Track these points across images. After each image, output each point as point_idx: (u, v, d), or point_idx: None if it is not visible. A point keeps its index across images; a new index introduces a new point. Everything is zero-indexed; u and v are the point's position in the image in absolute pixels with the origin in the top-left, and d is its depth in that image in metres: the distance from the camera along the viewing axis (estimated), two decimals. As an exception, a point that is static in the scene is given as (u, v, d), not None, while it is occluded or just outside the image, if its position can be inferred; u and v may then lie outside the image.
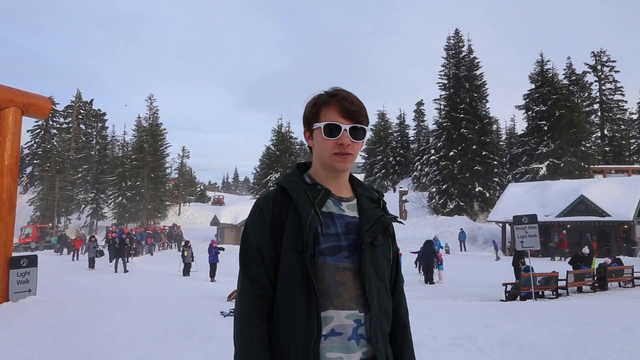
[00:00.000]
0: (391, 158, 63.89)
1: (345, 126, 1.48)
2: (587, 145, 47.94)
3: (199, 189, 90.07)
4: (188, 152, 72.32)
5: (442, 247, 26.02)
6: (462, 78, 51.34)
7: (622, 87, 55.48)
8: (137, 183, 59.31)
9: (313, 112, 1.53)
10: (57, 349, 6.52)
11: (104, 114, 74.15)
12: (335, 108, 1.50)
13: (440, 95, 52.87)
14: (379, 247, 1.53)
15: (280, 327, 1.45)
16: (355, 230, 1.50)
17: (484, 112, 51.66)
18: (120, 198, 59.49)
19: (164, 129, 64.48)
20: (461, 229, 36.05)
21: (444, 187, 47.77)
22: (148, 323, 8.20)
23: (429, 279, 19.03)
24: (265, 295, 1.48)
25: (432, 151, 51.23)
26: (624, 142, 54.27)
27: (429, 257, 19.26)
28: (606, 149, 53.23)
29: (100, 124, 73.85)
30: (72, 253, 31.82)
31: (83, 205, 64.10)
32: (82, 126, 73.94)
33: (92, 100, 74.96)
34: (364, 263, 1.46)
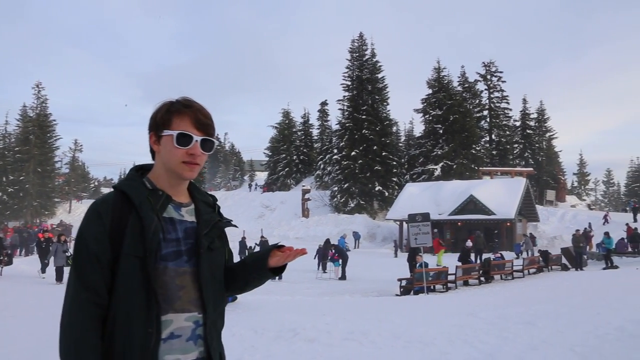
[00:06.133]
0: (295, 157, 64.31)
1: (198, 137, 1.53)
2: (477, 148, 51.27)
3: (92, 185, 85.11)
4: (81, 145, 67.92)
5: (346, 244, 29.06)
6: (365, 80, 52.82)
7: (507, 96, 59.98)
8: (21, 178, 54.75)
9: (165, 118, 1.54)
10: None
11: (-17, 102, 67.53)
12: (189, 118, 1.53)
13: (344, 96, 53.92)
14: (216, 250, 1.61)
15: (115, 334, 1.42)
16: (193, 234, 1.56)
17: (385, 114, 53.58)
18: (0, 194, 54.46)
19: (54, 120, 59.91)
20: (354, 232, 38.28)
21: (345, 186, 48.93)
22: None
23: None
24: (102, 303, 1.44)
25: (335, 151, 52.26)
26: (508, 147, 58.76)
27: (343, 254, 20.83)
28: (493, 152, 57.41)
29: (-22, 113, 67.13)
30: None
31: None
32: (-44, 114, 66.73)
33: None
34: (202, 266, 1.53)
